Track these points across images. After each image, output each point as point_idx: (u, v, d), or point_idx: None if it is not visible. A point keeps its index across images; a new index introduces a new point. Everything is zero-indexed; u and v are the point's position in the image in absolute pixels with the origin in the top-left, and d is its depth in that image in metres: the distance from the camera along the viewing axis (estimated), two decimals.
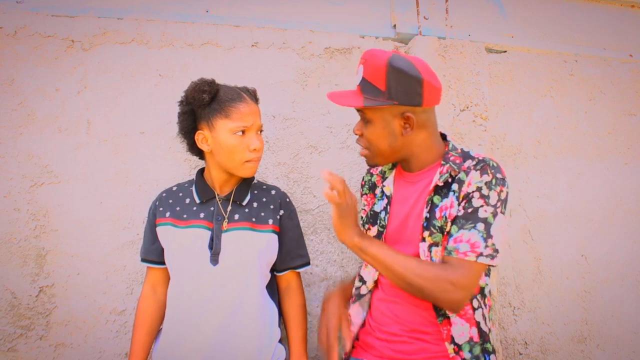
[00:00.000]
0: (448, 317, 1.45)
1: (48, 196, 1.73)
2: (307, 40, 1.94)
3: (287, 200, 1.70)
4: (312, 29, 1.95)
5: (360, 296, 1.61)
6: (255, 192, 1.67)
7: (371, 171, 1.72)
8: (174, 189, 1.69)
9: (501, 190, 1.42)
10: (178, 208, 1.62)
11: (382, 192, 1.63)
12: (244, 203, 1.62)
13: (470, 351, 1.45)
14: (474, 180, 1.42)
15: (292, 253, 1.67)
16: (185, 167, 1.83)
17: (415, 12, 2.07)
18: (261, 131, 1.61)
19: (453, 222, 1.42)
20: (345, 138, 1.96)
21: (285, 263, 1.67)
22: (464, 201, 1.41)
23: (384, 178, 1.66)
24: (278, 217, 1.64)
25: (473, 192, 1.41)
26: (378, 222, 1.59)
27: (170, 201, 1.64)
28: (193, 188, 1.66)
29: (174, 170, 1.82)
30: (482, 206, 1.39)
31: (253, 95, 1.65)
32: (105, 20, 1.79)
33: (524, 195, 2.16)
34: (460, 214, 1.41)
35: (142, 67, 1.81)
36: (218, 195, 1.63)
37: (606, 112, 2.28)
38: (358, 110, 1.52)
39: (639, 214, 2.30)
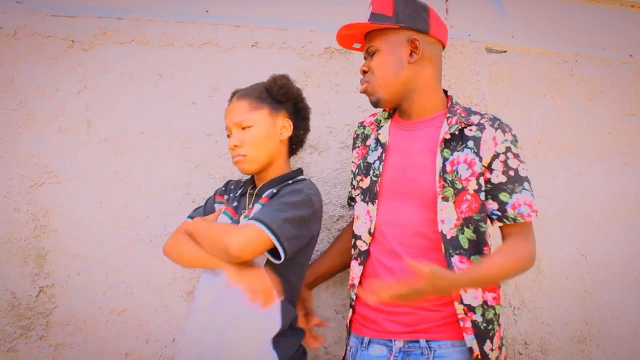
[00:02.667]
0: None
1: (48, 196, 1.73)
2: (307, 40, 1.94)
3: (299, 182, 1.58)
4: (312, 29, 1.95)
5: (361, 253, 1.57)
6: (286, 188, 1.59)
7: (364, 123, 1.71)
8: (242, 181, 1.74)
9: (520, 146, 1.50)
10: (231, 195, 1.68)
11: (377, 140, 1.61)
12: (264, 196, 1.58)
13: (483, 315, 1.44)
14: (499, 139, 1.44)
15: (257, 214, 1.49)
16: (185, 167, 1.83)
17: None
18: (244, 128, 1.56)
19: (498, 188, 1.44)
20: (345, 138, 1.96)
21: None
22: (501, 164, 1.43)
23: (379, 127, 1.64)
24: (274, 191, 1.56)
25: (504, 152, 1.44)
26: (371, 172, 1.57)
27: (232, 187, 1.71)
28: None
29: (174, 170, 1.82)
30: (519, 165, 1.45)
31: (245, 91, 1.63)
32: (105, 20, 1.79)
33: None
34: (503, 179, 1.44)
35: (142, 67, 1.81)
36: (250, 190, 1.65)
37: (606, 112, 2.28)
38: (367, 50, 1.55)
39: (639, 214, 2.30)
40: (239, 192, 1.68)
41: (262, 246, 1.42)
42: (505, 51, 2.18)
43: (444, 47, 1.59)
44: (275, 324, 1.48)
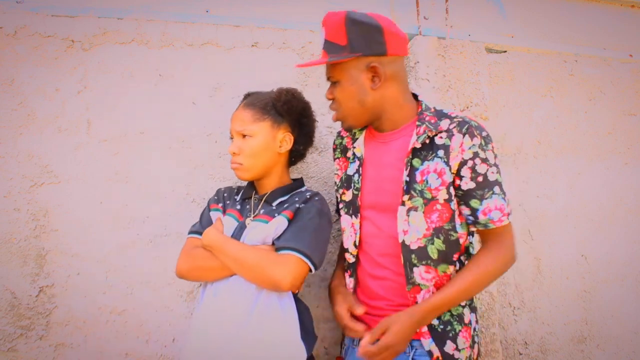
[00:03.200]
0: (417, 285, 1.46)
1: (48, 196, 1.73)
2: (307, 40, 1.94)
3: (316, 198, 1.63)
4: (312, 29, 1.95)
5: (350, 265, 1.59)
6: (297, 198, 1.65)
7: (341, 134, 1.70)
8: (234, 187, 1.76)
9: (492, 147, 1.46)
10: (228, 202, 1.71)
11: (354, 154, 1.61)
12: (274, 204, 1.64)
13: (439, 317, 1.46)
14: (466, 145, 1.42)
15: (286, 235, 1.56)
16: (185, 167, 1.83)
17: (415, 12, 2.08)
18: (244, 136, 1.61)
19: (468, 194, 1.43)
20: None
21: (278, 243, 1.56)
22: (468, 170, 1.42)
23: (354, 139, 1.63)
24: (297, 206, 1.61)
25: (471, 158, 1.42)
26: (352, 185, 1.57)
27: (225, 194, 1.73)
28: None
29: (174, 170, 1.82)
30: (487, 170, 1.42)
31: (252, 101, 1.66)
32: (105, 20, 1.79)
33: (524, 195, 2.16)
34: (472, 186, 1.42)
35: (142, 67, 1.81)
36: (255, 195, 1.68)
37: (606, 112, 2.28)
38: (328, 78, 1.52)
39: (639, 214, 2.30)
40: (240, 196, 1.70)
41: (304, 275, 1.54)
42: (505, 51, 2.18)
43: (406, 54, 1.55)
44: (294, 319, 1.54)
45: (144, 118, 1.81)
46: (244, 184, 1.76)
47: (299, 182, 1.73)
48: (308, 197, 1.63)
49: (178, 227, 1.79)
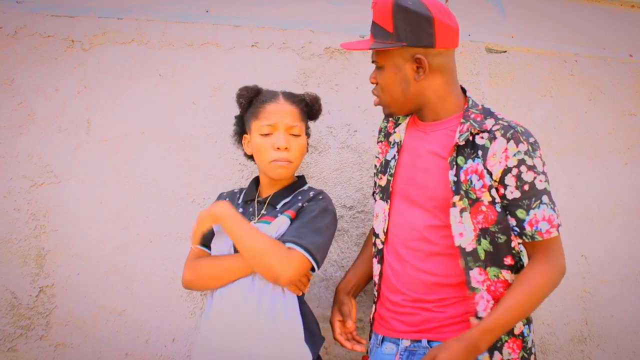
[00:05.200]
0: (473, 289, 1.40)
1: (48, 196, 1.73)
2: (307, 40, 1.94)
3: (321, 197, 1.62)
4: (312, 29, 1.95)
5: (378, 252, 1.57)
6: (300, 197, 1.62)
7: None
8: (235, 190, 1.74)
9: (540, 154, 1.39)
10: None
11: (394, 139, 1.59)
12: (278, 206, 1.61)
13: None
14: (510, 151, 1.35)
15: (290, 231, 1.54)
16: (185, 167, 1.83)
17: None
18: (296, 135, 1.59)
19: (513, 204, 1.37)
20: (345, 138, 1.96)
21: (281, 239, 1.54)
22: (513, 178, 1.35)
23: (396, 124, 1.62)
24: (300, 205, 1.58)
25: (516, 166, 1.35)
26: (388, 170, 1.55)
27: (227, 200, 1.68)
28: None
29: (174, 170, 1.82)
30: (535, 178, 1.36)
31: (292, 97, 1.64)
32: (105, 20, 1.79)
33: None
34: (517, 195, 1.36)
35: (142, 67, 1.82)
36: (258, 197, 1.66)
37: (606, 112, 2.28)
38: (373, 61, 1.49)
39: (639, 214, 2.30)
40: (242, 198, 1.69)
41: (305, 272, 1.51)
42: (505, 51, 2.18)
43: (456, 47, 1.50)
44: (298, 322, 1.52)
45: (144, 118, 1.81)
46: (246, 186, 1.75)
47: (301, 181, 1.71)
48: (312, 195, 1.61)
49: (178, 227, 1.79)
